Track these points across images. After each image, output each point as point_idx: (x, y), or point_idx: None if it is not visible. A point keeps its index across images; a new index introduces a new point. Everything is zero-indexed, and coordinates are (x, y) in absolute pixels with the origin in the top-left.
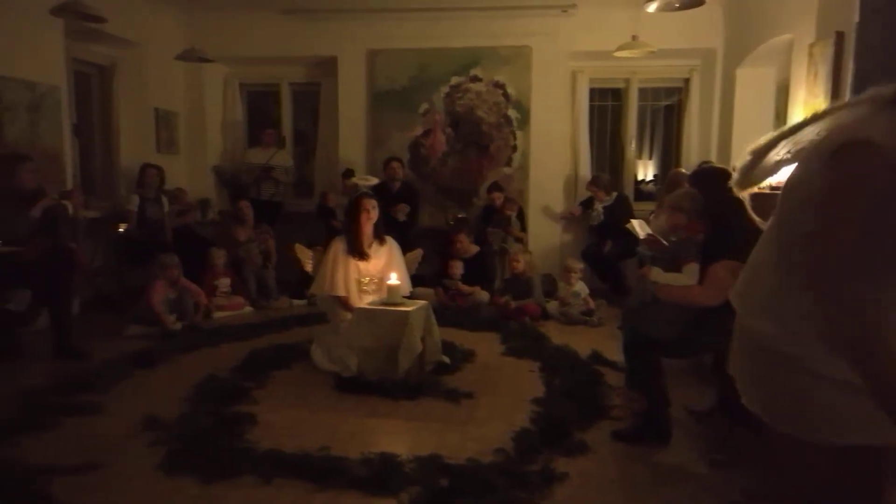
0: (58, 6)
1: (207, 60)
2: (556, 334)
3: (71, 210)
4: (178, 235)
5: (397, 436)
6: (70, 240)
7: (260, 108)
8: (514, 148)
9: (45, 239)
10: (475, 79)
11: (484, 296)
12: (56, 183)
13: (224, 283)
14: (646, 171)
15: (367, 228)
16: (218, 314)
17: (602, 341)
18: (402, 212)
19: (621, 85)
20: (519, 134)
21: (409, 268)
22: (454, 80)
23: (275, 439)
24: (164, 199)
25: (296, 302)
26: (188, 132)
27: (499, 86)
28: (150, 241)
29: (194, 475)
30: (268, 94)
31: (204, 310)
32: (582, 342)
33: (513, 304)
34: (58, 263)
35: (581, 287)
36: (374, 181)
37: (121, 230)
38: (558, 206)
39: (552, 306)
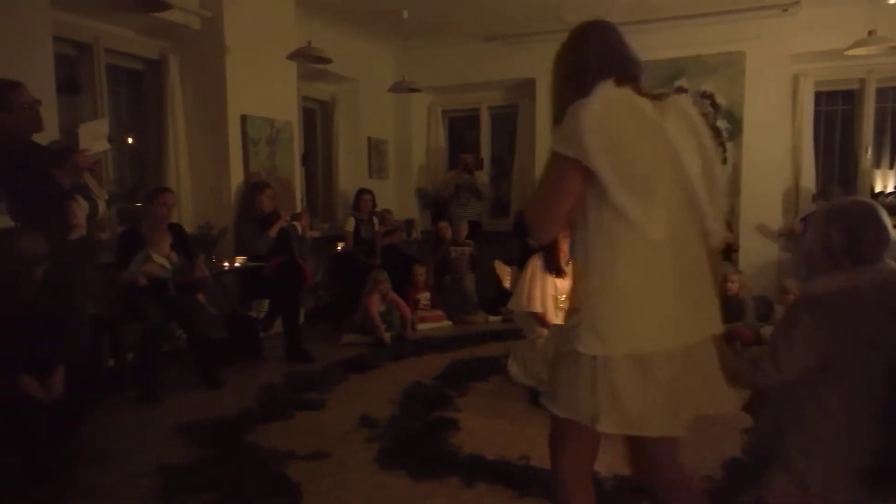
0: (294, 52)
1: (415, 90)
2: None
3: (300, 230)
4: (385, 253)
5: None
6: (299, 257)
7: (460, 132)
8: (724, 161)
9: (279, 256)
10: (680, 90)
11: None
12: (288, 207)
13: (425, 297)
14: (885, 182)
15: (565, 246)
16: (420, 326)
17: None
18: None
19: (854, 86)
20: (729, 146)
21: None
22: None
23: (476, 445)
24: (375, 220)
25: (490, 317)
26: (396, 158)
27: (706, 96)
28: (363, 258)
29: (405, 471)
30: (468, 118)
31: (410, 322)
32: None
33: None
34: (290, 277)
35: None
36: None
37: (338, 249)
38: (775, 222)
39: (767, 331)
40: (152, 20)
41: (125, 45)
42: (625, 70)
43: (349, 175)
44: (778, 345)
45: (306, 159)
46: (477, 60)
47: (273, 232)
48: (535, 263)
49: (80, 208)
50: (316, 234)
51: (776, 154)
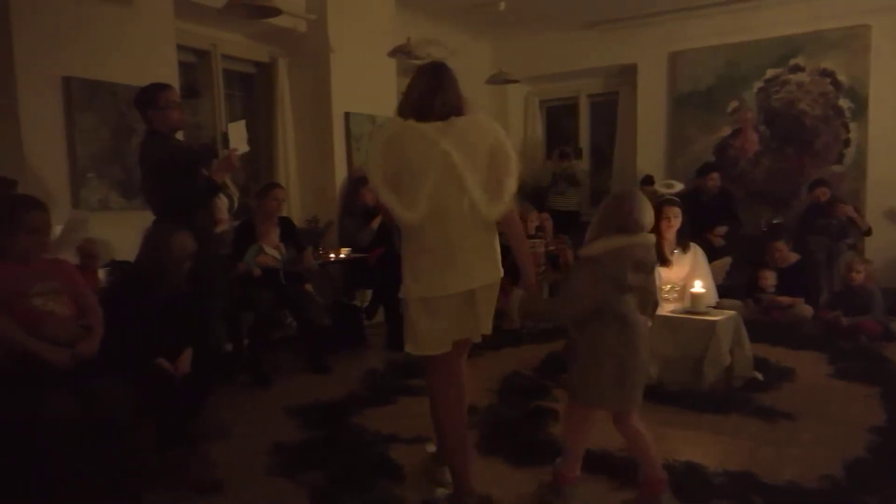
0: (394, 49)
1: (512, 81)
2: None
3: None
4: None
5: (702, 448)
6: (400, 248)
7: (557, 122)
8: (847, 142)
9: (381, 247)
10: (796, 69)
11: (807, 310)
12: None
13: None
14: None
15: (669, 235)
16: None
17: None
18: (718, 236)
19: None
20: (853, 126)
21: (715, 277)
22: (769, 73)
23: None
24: None
25: None
26: None
27: (827, 74)
28: None
29: (503, 458)
30: (565, 107)
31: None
32: None
33: (845, 321)
34: (392, 268)
35: None
36: (679, 186)
37: None
38: None
39: None
40: (263, 26)
41: (238, 51)
42: (413, 108)
43: None
44: (563, 292)
45: None
46: (575, 48)
47: (375, 224)
48: None
49: (224, 204)
50: None
51: None
